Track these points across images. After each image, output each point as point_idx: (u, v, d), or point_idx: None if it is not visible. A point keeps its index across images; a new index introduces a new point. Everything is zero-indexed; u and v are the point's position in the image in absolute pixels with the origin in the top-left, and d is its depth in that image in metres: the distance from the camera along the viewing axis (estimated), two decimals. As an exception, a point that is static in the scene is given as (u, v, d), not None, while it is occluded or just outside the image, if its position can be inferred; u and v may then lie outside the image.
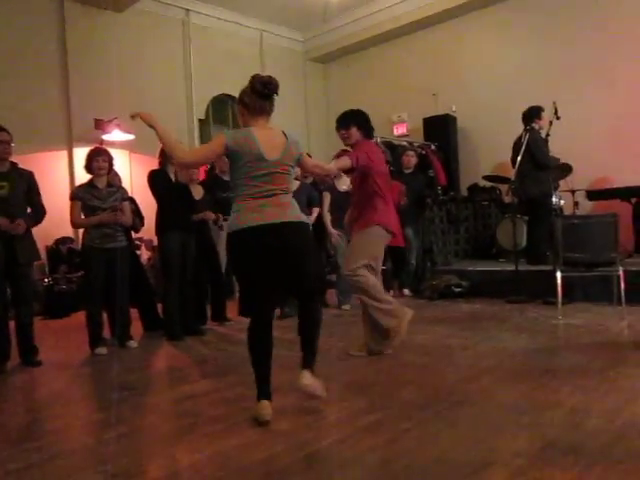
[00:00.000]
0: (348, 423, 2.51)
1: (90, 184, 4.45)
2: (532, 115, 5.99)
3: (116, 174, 4.88)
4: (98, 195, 4.40)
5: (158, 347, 4.61)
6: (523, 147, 5.64)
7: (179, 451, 2.37)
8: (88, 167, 4.45)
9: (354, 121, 3.80)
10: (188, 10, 8.83)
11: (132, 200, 5.00)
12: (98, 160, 4.43)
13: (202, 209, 5.07)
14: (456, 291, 5.98)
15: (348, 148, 3.97)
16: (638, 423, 2.33)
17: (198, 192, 5.15)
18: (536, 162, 5.83)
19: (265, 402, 2.58)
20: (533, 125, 5.94)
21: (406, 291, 6.46)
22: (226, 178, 5.63)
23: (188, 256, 4.82)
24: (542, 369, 3.23)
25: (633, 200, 6.16)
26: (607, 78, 7.15)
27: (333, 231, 5.66)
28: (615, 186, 6.66)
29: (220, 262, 5.36)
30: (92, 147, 4.78)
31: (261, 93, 2.71)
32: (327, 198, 5.74)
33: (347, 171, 3.66)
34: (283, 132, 2.77)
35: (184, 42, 8.86)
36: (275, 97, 2.80)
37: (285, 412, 2.69)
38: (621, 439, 2.18)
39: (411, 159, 6.75)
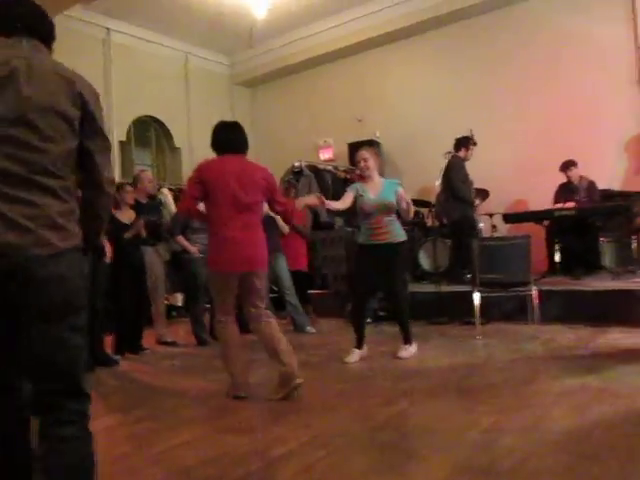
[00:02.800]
0: (259, 455, 2.38)
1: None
2: (461, 143, 6.23)
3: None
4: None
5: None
6: (442, 172, 5.80)
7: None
8: None
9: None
10: (109, 29, 8.58)
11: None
12: None
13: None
14: (380, 314, 5.99)
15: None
16: (549, 440, 2.35)
17: (129, 216, 4.95)
18: (452, 188, 6.03)
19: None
20: (458, 153, 6.16)
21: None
22: (143, 201, 5.44)
23: (98, 282, 4.55)
24: (459, 389, 3.24)
25: (545, 222, 6.44)
26: (521, 107, 7.52)
27: None
28: (530, 209, 6.96)
29: (145, 288, 5.13)
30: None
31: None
32: None
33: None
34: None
35: (105, 61, 8.57)
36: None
37: (192, 447, 2.53)
38: (532, 457, 2.18)
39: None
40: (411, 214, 4.28)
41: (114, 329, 4.87)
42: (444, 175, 5.87)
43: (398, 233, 4.20)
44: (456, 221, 6.13)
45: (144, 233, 5.01)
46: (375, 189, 4.18)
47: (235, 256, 3.21)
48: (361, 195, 4.14)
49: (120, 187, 4.98)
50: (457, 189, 6.08)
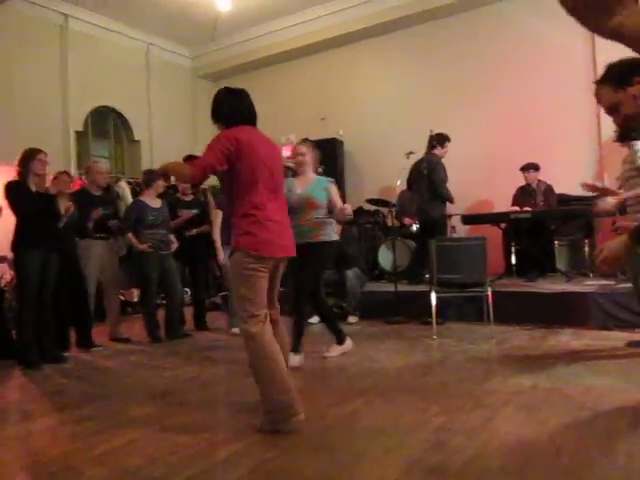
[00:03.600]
0: (207, 455, 2.31)
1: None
2: (437, 141, 6.23)
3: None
4: None
5: (9, 378, 4.10)
6: (408, 172, 5.82)
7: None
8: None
9: None
10: (67, 15, 8.30)
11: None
12: None
13: (67, 224, 4.66)
14: (336, 312, 5.97)
15: None
16: (496, 440, 2.36)
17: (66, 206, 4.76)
18: (433, 187, 6.07)
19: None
20: (434, 151, 6.19)
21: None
22: (95, 193, 5.27)
23: (48, 276, 4.38)
24: (413, 389, 3.24)
25: (502, 225, 6.55)
26: (487, 108, 7.62)
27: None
28: (491, 210, 7.08)
29: (86, 283, 4.96)
30: None
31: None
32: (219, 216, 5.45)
33: None
34: None
35: (61, 49, 8.29)
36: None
37: (138, 447, 2.45)
38: (480, 456, 2.19)
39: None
40: (346, 214, 3.94)
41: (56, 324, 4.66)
42: (425, 174, 5.89)
43: (323, 232, 3.99)
44: (434, 220, 6.17)
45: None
46: (304, 184, 4.06)
47: (278, 239, 2.74)
48: (289, 190, 3.87)
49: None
50: (440, 188, 6.12)
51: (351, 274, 5.87)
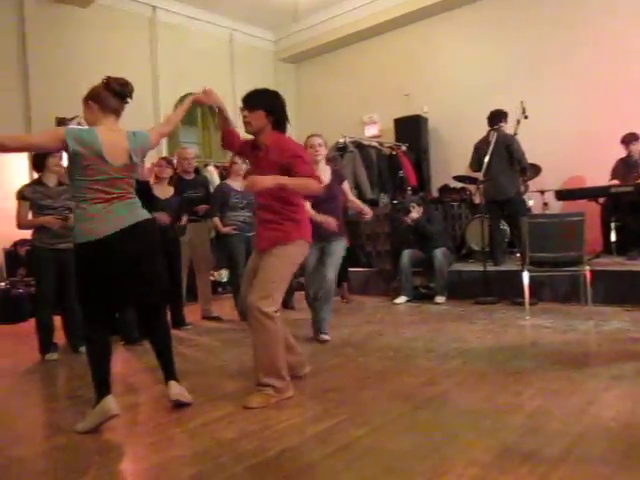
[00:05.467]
0: (298, 431, 2.37)
1: (39, 182, 4.24)
2: (500, 117, 5.97)
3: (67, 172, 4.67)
4: (49, 194, 4.19)
5: (113, 352, 4.39)
6: (492, 147, 5.57)
7: (115, 463, 2.21)
8: (39, 165, 4.25)
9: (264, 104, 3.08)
10: (155, 7, 8.62)
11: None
12: (55, 156, 4.23)
13: (168, 209, 4.90)
14: (423, 292, 5.89)
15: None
16: (599, 425, 2.24)
17: (167, 191, 5.02)
18: (514, 162, 5.80)
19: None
20: (502, 126, 5.90)
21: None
22: (187, 177, 5.49)
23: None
24: (505, 371, 3.13)
25: (601, 200, 6.14)
26: (574, 78, 7.17)
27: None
28: (584, 186, 6.65)
29: (180, 265, 5.19)
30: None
31: (118, 93, 2.73)
32: None
33: None
34: (133, 133, 2.72)
35: (151, 40, 8.64)
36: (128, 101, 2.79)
37: (232, 420, 2.55)
38: (581, 442, 2.09)
39: None
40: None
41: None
42: (496, 151, 5.62)
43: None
44: (516, 197, 5.91)
45: (165, 220, 4.83)
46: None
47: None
48: None
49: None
50: (524, 162, 5.86)
51: (439, 253, 5.75)
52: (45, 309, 4.20)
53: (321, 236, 3.92)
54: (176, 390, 2.78)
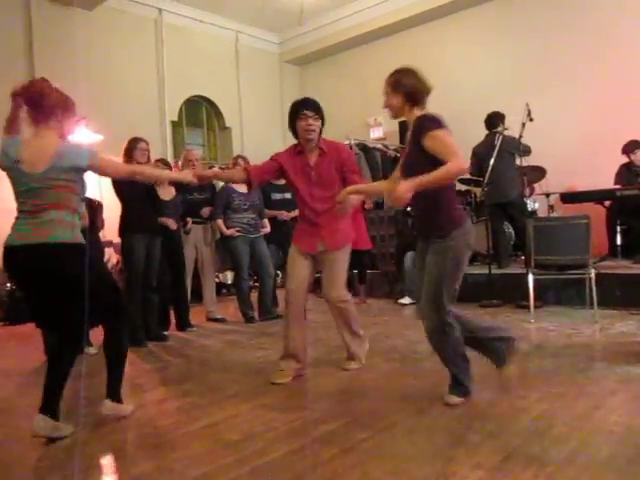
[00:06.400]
0: (302, 434, 2.37)
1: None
2: (498, 119, 6.02)
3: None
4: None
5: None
6: (496, 150, 5.56)
7: (118, 464, 2.22)
8: None
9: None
10: (161, 9, 8.67)
11: (96, 202, 4.79)
12: None
13: (171, 210, 4.92)
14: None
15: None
16: (604, 430, 2.23)
17: (169, 192, 5.01)
18: (514, 164, 5.81)
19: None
20: (503, 127, 5.92)
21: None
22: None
23: (152, 259, 4.65)
24: (510, 374, 3.12)
25: (607, 203, 6.12)
26: (580, 82, 7.16)
27: None
28: (589, 189, 6.62)
29: (183, 269, 5.20)
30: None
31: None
32: None
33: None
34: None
35: (157, 42, 8.68)
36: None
37: (237, 422, 2.55)
38: (586, 447, 2.08)
39: None
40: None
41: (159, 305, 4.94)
42: (499, 154, 5.63)
43: None
44: (517, 199, 5.91)
45: (173, 226, 4.92)
46: None
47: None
48: None
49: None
50: (528, 150, 5.91)
51: (409, 256, 5.76)
52: (50, 310, 4.20)
53: None
54: (107, 410, 2.65)
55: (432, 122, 2.45)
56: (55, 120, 2.55)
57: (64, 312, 2.49)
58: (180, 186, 5.20)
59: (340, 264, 3.28)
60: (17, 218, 2.51)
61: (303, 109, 3.21)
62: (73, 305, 2.43)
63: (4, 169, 2.49)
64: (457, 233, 2.54)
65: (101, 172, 2.67)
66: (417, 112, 2.60)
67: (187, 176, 3.09)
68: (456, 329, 2.60)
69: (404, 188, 2.34)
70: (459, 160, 2.35)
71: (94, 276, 2.49)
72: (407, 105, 2.61)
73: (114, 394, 2.68)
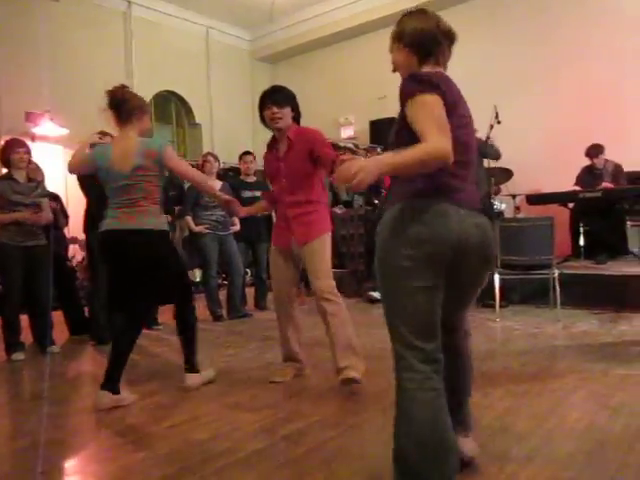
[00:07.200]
0: (269, 432, 2.35)
1: (9, 178, 4.14)
2: None
3: (38, 168, 4.57)
4: (19, 190, 4.10)
5: (82, 352, 4.33)
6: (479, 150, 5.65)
7: (81, 464, 2.17)
8: (5, 159, 4.15)
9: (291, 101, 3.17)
10: (130, 2, 8.50)
11: (55, 197, 4.68)
12: (19, 152, 4.13)
13: None
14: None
15: None
16: (565, 426, 2.28)
17: None
18: (482, 165, 5.92)
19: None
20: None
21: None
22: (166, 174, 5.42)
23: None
24: (475, 372, 3.15)
25: (570, 205, 6.27)
26: (546, 85, 7.30)
27: None
28: (554, 191, 6.77)
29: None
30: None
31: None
32: None
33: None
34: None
35: (125, 35, 8.52)
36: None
37: (203, 422, 2.52)
38: (548, 443, 2.12)
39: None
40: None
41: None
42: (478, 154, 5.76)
43: None
44: (484, 199, 6.02)
45: None
46: None
47: None
48: None
49: None
50: (498, 154, 6.05)
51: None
52: (11, 308, 4.09)
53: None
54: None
55: (415, 83, 1.68)
56: (135, 120, 2.94)
57: (141, 291, 2.88)
58: None
59: (318, 255, 3.03)
60: (111, 209, 2.87)
61: (268, 101, 3.09)
62: (150, 284, 2.86)
63: (96, 172, 2.91)
64: None
65: (172, 168, 2.95)
66: (427, 69, 1.84)
67: (234, 208, 3.19)
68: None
69: (358, 166, 1.46)
70: (441, 140, 1.52)
71: (174, 259, 2.98)
72: (414, 59, 1.86)
73: (191, 366, 3.05)
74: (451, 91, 1.73)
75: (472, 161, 1.77)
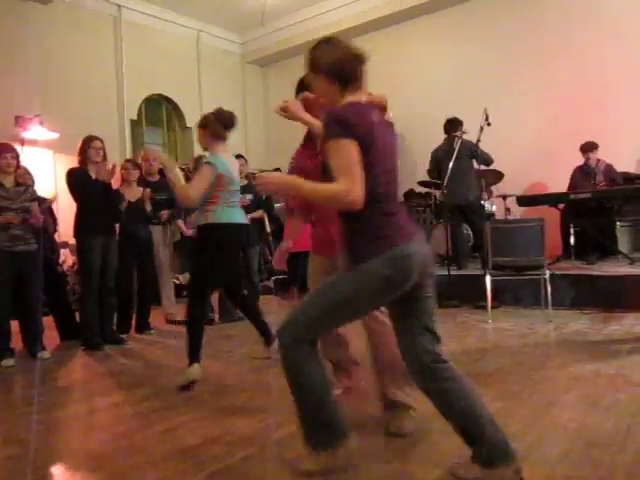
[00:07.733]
0: (261, 437, 2.35)
1: (-5, 183, 4.11)
2: (457, 124, 6.17)
3: (27, 172, 4.54)
4: (5, 195, 4.07)
5: (73, 357, 4.29)
6: (455, 153, 5.67)
7: (72, 471, 2.15)
8: None
9: None
10: (120, 6, 8.48)
11: (44, 200, 4.64)
12: (5, 157, 4.10)
13: (135, 211, 4.84)
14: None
15: None
16: (558, 426, 2.29)
17: (135, 193, 4.94)
18: (473, 168, 5.95)
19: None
20: (458, 133, 6.07)
21: None
22: (152, 180, 5.39)
23: (109, 261, 4.54)
24: (468, 373, 3.13)
25: (561, 206, 6.31)
26: (536, 87, 7.35)
27: None
28: (545, 192, 6.82)
29: (153, 267, 5.12)
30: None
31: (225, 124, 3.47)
32: None
33: None
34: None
35: (115, 39, 8.49)
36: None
37: (195, 426, 2.51)
38: (540, 443, 2.13)
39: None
40: None
41: (120, 308, 4.87)
42: (468, 156, 5.80)
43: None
44: (475, 202, 6.06)
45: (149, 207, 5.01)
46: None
47: None
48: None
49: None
50: (489, 160, 6.11)
51: None
52: (2, 313, 4.05)
53: None
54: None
55: (335, 125, 1.76)
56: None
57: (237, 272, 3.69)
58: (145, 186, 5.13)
59: None
60: (228, 207, 3.31)
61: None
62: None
63: (222, 176, 3.23)
64: None
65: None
66: (349, 98, 1.90)
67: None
68: None
69: (270, 179, 1.91)
70: (346, 185, 1.70)
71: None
72: (335, 88, 1.91)
73: (268, 338, 3.51)
74: (369, 125, 1.79)
75: (396, 192, 1.98)
